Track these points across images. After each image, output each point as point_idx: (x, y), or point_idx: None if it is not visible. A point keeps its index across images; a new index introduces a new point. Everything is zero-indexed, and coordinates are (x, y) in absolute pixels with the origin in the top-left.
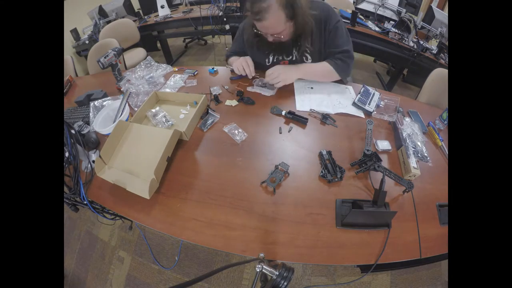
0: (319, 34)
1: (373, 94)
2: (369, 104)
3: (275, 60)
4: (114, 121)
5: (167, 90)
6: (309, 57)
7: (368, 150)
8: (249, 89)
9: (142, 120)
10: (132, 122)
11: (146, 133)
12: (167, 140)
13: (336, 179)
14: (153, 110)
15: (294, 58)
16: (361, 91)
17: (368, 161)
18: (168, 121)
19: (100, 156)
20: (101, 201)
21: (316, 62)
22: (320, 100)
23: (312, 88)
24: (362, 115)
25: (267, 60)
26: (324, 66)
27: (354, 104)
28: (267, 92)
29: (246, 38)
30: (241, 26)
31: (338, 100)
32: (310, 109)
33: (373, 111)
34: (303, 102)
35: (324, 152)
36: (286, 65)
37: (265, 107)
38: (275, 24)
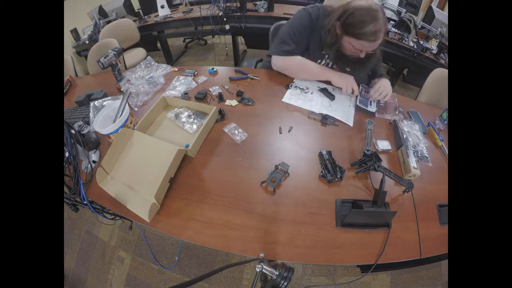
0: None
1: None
2: (370, 104)
3: (325, 64)
4: (114, 121)
5: (172, 92)
6: (348, 69)
7: (368, 150)
8: (359, 105)
9: (148, 127)
10: (136, 131)
11: (150, 144)
12: (170, 160)
13: (336, 179)
14: (177, 110)
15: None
16: (361, 91)
17: (368, 161)
18: (194, 120)
19: (102, 167)
20: (101, 201)
21: (351, 73)
22: (309, 99)
23: (307, 89)
24: (351, 124)
25: (318, 61)
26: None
27: (356, 106)
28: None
29: (319, 43)
30: (312, 12)
31: (329, 103)
32: (310, 112)
33: (375, 111)
34: (291, 96)
35: (324, 152)
36: (384, 81)
37: (265, 107)
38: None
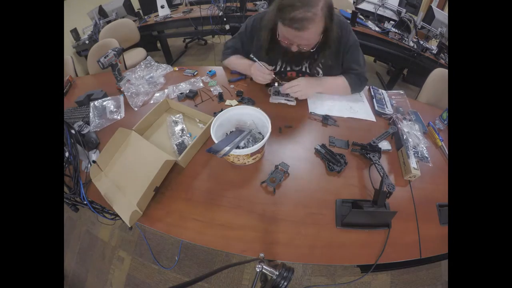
0: (335, 49)
1: (383, 95)
2: (386, 107)
3: (281, 69)
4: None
5: (171, 97)
6: (320, 71)
7: (374, 142)
8: (272, 100)
9: (147, 128)
10: (134, 131)
11: (143, 148)
12: (156, 170)
13: (343, 166)
14: (174, 118)
15: (304, 69)
16: (373, 94)
17: (370, 150)
18: (183, 136)
19: (95, 162)
20: (101, 201)
21: (327, 75)
22: (332, 105)
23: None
24: (374, 119)
25: (273, 67)
26: (343, 82)
27: (376, 112)
28: (292, 102)
29: (256, 40)
30: (248, 23)
31: (349, 105)
32: (311, 112)
33: (393, 113)
34: (316, 106)
35: (318, 147)
36: (308, 78)
37: (265, 107)
38: (312, 35)
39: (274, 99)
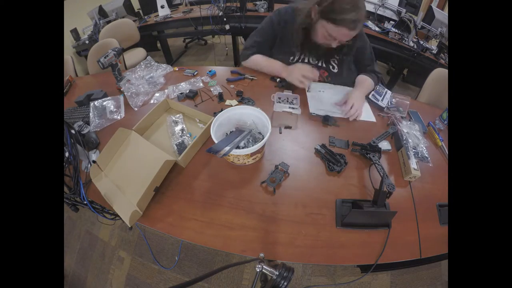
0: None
1: (386, 92)
2: (382, 100)
3: (299, 60)
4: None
5: (171, 97)
6: (335, 66)
7: (374, 142)
8: (276, 109)
9: (147, 128)
10: (134, 131)
11: (143, 148)
12: (156, 170)
13: (343, 166)
14: (174, 118)
15: (320, 64)
16: (376, 88)
17: (369, 150)
18: (183, 136)
19: (95, 162)
20: (101, 201)
21: (341, 71)
22: (332, 105)
23: (323, 91)
24: (374, 119)
25: (291, 58)
26: (370, 82)
27: (367, 98)
28: (296, 111)
29: (282, 36)
30: (274, 19)
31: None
32: (311, 113)
33: (385, 107)
34: (316, 107)
35: (318, 147)
36: (357, 93)
37: (265, 107)
38: (357, 33)
39: (278, 107)
